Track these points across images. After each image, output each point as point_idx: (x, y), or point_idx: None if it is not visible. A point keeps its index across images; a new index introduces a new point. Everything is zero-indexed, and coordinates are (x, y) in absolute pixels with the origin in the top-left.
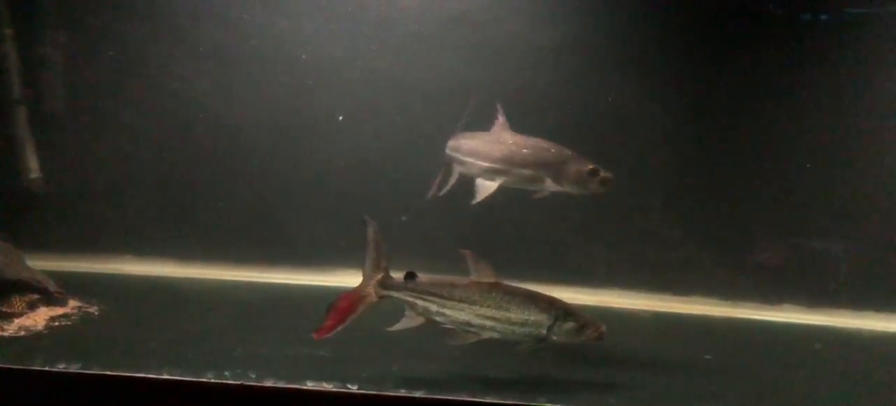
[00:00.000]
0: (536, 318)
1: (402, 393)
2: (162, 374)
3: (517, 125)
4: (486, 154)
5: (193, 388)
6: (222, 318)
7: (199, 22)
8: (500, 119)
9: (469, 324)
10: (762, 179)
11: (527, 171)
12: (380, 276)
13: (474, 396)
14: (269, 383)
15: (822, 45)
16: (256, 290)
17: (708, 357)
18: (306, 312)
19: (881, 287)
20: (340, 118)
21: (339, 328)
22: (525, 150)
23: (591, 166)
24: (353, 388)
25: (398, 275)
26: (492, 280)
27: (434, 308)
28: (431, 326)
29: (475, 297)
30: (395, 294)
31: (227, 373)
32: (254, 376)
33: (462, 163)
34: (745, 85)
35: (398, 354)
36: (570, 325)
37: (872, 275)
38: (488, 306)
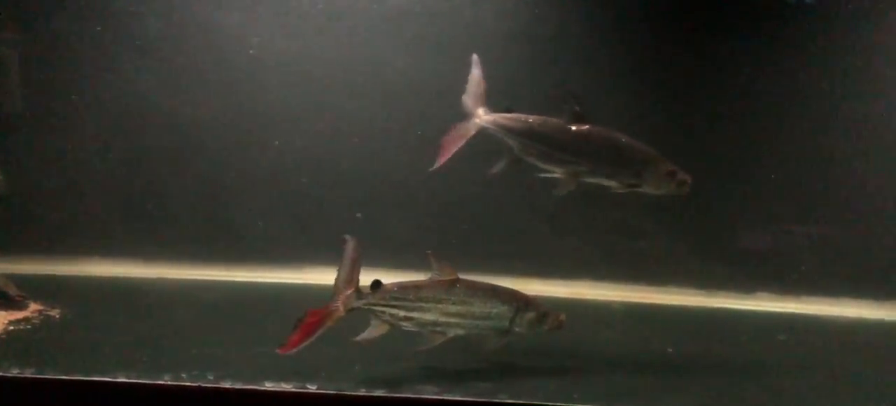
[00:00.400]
0: (499, 310)
1: (362, 392)
2: (118, 378)
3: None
4: (567, 145)
5: (149, 390)
6: (184, 319)
7: (155, 20)
8: (576, 108)
9: (436, 323)
10: (736, 168)
11: (612, 169)
12: (350, 290)
13: (438, 394)
14: (226, 385)
15: (803, 31)
16: (220, 290)
17: (670, 350)
18: (268, 312)
19: (855, 274)
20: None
21: (305, 344)
22: (614, 147)
23: (671, 167)
24: (312, 388)
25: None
26: (452, 276)
27: (402, 313)
28: (396, 330)
29: (440, 296)
30: (363, 306)
31: (183, 374)
32: (211, 377)
33: (531, 150)
34: (719, 73)
35: (360, 354)
36: (530, 315)
37: (847, 262)
38: (453, 303)
